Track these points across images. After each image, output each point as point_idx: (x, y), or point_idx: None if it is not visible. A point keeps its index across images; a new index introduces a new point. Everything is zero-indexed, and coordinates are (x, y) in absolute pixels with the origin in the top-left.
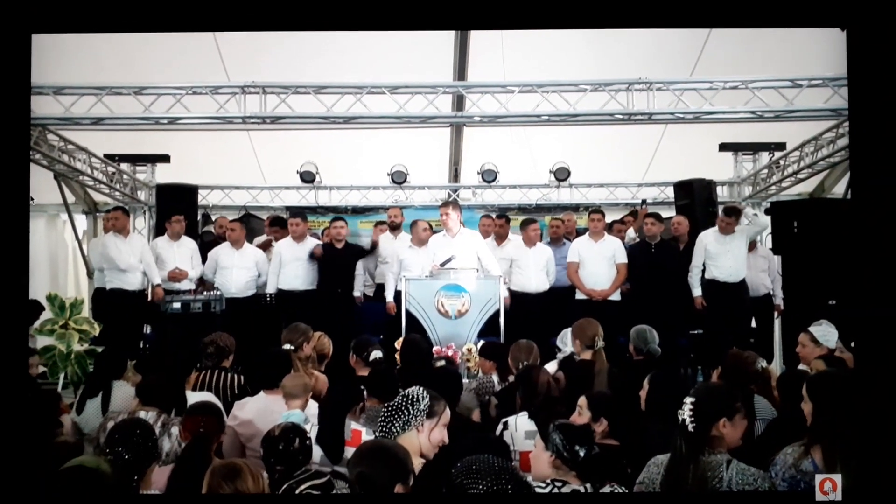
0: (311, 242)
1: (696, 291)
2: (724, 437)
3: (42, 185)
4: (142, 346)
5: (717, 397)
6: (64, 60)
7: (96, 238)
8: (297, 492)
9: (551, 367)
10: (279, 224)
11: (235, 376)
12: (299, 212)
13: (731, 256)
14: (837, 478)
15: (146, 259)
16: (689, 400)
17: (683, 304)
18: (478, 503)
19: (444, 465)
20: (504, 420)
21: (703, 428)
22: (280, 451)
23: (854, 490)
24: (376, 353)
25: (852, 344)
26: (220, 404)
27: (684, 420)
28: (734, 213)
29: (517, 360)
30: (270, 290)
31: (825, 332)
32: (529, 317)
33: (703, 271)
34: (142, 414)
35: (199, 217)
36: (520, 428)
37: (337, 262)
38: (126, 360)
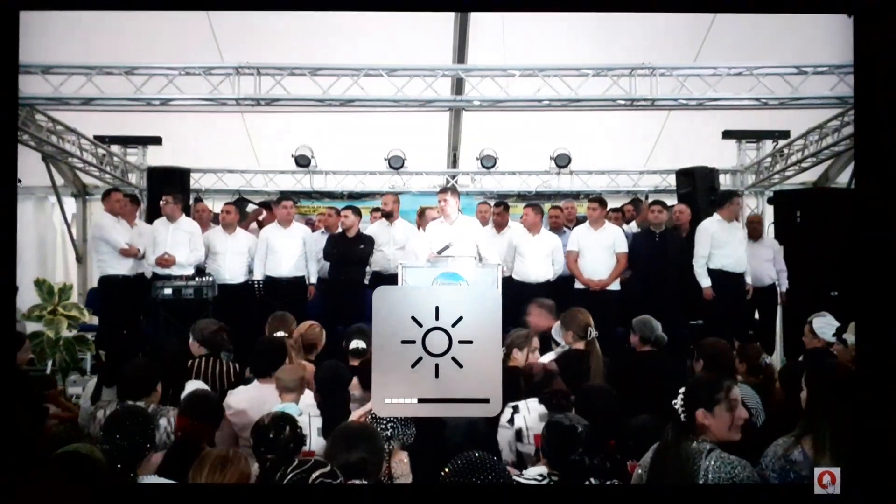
0: (298, 228)
1: (706, 282)
2: (708, 427)
3: (30, 167)
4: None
5: (700, 388)
6: (53, 39)
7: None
8: (309, 481)
9: (549, 357)
10: (268, 208)
11: (230, 364)
12: (289, 195)
13: (737, 245)
14: (836, 471)
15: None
16: (682, 389)
17: (685, 293)
18: (475, 493)
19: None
20: (514, 404)
21: (690, 417)
22: (270, 440)
23: (847, 480)
24: (356, 343)
25: (843, 336)
26: (215, 396)
27: (677, 408)
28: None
29: (510, 347)
30: (258, 276)
31: (822, 325)
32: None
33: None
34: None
35: (192, 201)
36: (532, 411)
37: (349, 251)
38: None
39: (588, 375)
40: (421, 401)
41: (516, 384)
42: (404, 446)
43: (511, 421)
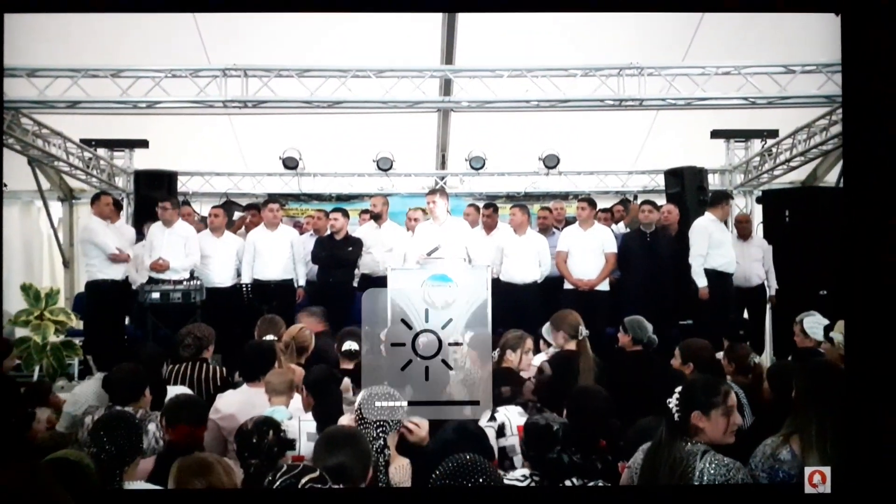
0: (286, 231)
1: (703, 281)
2: (702, 429)
3: (16, 170)
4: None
5: (696, 390)
6: (38, 41)
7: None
8: (299, 486)
9: (541, 359)
10: (256, 209)
11: (217, 368)
12: (276, 198)
13: (730, 245)
14: (826, 470)
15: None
16: (678, 389)
17: (676, 293)
18: (466, 495)
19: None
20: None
21: (684, 417)
22: (254, 445)
23: (837, 479)
24: (350, 344)
25: (830, 334)
26: (202, 401)
27: (671, 408)
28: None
29: (503, 348)
30: (246, 280)
31: (813, 324)
32: (518, 307)
33: None
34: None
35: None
36: (512, 409)
37: (338, 253)
38: (164, 357)
39: (578, 376)
40: (412, 403)
41: (508, 385)
42: (402, 447)
43: (492, 418)
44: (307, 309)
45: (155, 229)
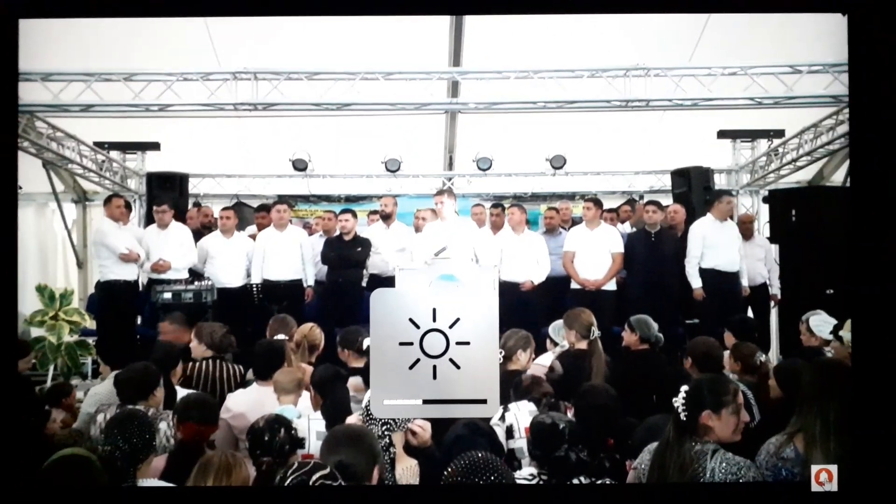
0: (294, 231)
1: (697, 283)
2: (712, 428)
3: (30, 173)
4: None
5: (706, 389)
6: (52, 46)
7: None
8: (310, 483)
9: (547, 358)
10: (266, 210)
11: (236, 367)
12: (285, 199)
13: (730, 244)
14: (833, 468)
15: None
16: (684, 388)
17: (681, 293)
18: (477, 493)
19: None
20: (505, 405)
21: (692, 417)
22: (265, 443)
23: (844, 477)
24: (370, 342)
25: (839, 333)
26: (212, 398)
27: (677, 407)
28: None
29: (512, 349)
30: (256, 280)
31: (819, 323)
32: (519, 306)
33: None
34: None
35: (191, 205)
36: (522, 409)
37: (346, 254)
38: (178, 356)
39: (589, 375)
40: (419, 402)
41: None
42: (409, 447)
43: (502, 418)
44: (170, 315)
45: (150, 232)
